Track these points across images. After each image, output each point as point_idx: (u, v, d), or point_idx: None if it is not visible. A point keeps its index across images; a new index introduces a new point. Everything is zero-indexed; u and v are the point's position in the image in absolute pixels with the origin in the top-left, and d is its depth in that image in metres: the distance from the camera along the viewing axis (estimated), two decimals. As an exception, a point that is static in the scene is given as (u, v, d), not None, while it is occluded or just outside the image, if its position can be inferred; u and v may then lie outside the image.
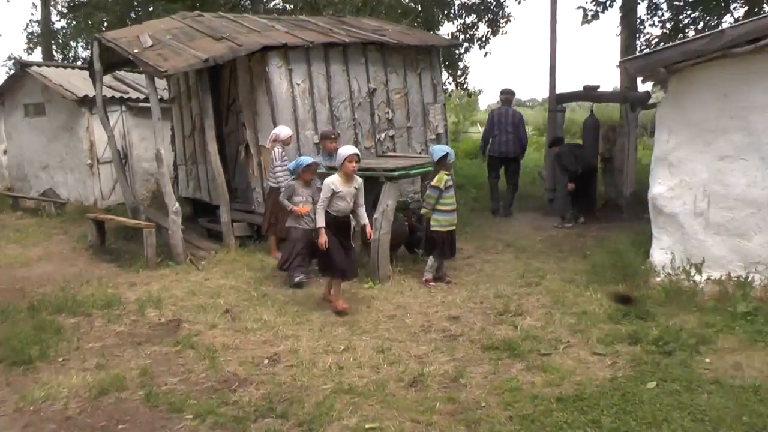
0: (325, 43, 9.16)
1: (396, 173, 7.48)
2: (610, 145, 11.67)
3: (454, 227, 7.48)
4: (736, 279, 6.39)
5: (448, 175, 7.34)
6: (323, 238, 6.27)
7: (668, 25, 13.05)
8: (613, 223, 10.76)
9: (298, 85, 8.97)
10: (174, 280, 7.64)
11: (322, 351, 5.41)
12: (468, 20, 16.80)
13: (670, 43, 6.77)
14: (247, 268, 8.08)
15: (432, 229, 7.38)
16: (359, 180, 6.55)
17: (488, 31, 16.85)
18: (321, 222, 6.31)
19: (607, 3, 13.01)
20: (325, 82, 9.27)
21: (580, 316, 6.03)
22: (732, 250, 6.45)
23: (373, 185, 8.10)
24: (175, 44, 8.38)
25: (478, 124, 28.70)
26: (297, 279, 7.23)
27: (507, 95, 11.55)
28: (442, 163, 7.34)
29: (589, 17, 13.05)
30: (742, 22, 6.03)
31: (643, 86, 10.85)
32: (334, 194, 6.33)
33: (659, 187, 6.83)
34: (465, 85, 18.58)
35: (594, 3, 13.13)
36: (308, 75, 9.08)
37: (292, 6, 16.53)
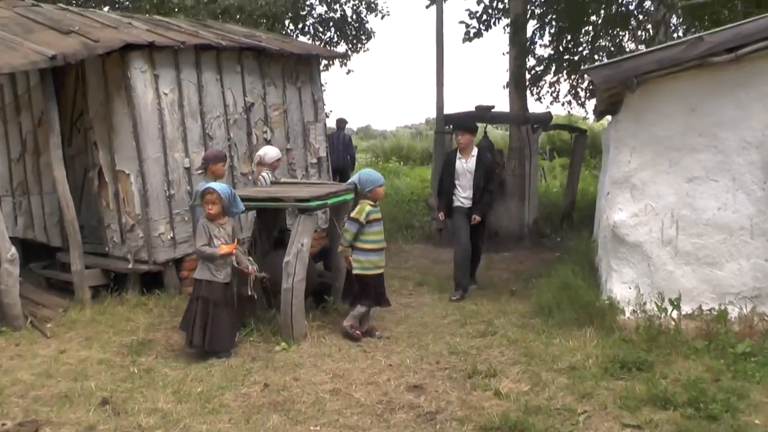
0: (196, 46, 7.51)
1: (313, 203, 6.03)
2: (500, 170, 11.01)
3: (381, 270, 6.14)
4: (708, 312, 5.74)
5: (373, 206, 6.04)
6: None
7: (551, 47, 12.86)
8: (515, 252, 10.06)
9: (166, 95, 7.23)
10: (15, 356, 5.52)
11: (264, 455, 3.84)
12: (326, 36, 15.62)
13: (635, 53, 6.02)
14: (114, 330, 6.16)
15: (354, 272, 6.02)
16: None
17: (349, 48, 15.80)
18: None
19: (491, 21, 12.48)
20: (196, 92, 7.59)
21: (571, 373, 4.96)
22: (702, 281, 5.79)
23: (270, 219, 6.66)
24: (8, 37, 6.30)
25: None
26: (224, 357, 5.51)
27: (340, 123, 14.02)
28: (368, 191, 6.03)
29: (471, 34, 12.43)
30: (722, 28, 5.40)
31: (543, 108, 10.33)
32: None
33: (621, 214, 5.99)
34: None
35: (476, 20, 12.54)
36: (177, 83, 7.37)
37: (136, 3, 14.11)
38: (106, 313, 6.63)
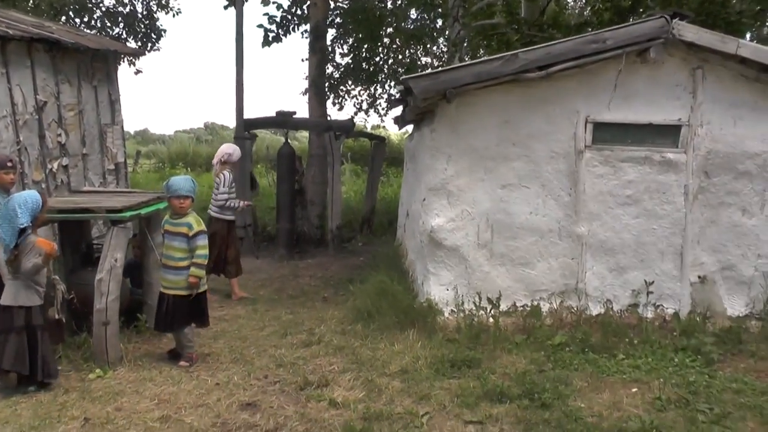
0: (-23, 35, 6.53)
1: (127, 214, 5.45)
2: (299, 176, 10.94)
3: (174, 291, 5.37)
4: (522, 308, 6.18)
5: (173, 217, 5.44)
6: None
7: (350, 57, 12.99)
8: (319, 259, 10.03)
9: (-60, 89, 6.20)
10: None
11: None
12: (114, 32, 14.47)
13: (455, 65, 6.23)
14: None
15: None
16: None
17: (139, 46, 14.78)
18: None
19: (291, 27, 12.32)
20: (-22, 89, 6.60)
21: (403, 376, 5.00)
22: (516, 280, 6.21)
23: (76, 232, 5.98)
24: None
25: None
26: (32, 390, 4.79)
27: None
28: (167, 200, 5.50)
29: (270, 39, 12.16)
30: (534, 47, 5.80)
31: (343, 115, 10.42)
32: None
33: (438, 219, 6.19)
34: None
35: (275, 24, 12.30)
36: (-45, 77, 6.35)
37: None
38: None
